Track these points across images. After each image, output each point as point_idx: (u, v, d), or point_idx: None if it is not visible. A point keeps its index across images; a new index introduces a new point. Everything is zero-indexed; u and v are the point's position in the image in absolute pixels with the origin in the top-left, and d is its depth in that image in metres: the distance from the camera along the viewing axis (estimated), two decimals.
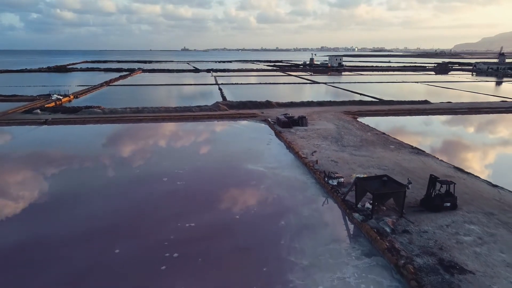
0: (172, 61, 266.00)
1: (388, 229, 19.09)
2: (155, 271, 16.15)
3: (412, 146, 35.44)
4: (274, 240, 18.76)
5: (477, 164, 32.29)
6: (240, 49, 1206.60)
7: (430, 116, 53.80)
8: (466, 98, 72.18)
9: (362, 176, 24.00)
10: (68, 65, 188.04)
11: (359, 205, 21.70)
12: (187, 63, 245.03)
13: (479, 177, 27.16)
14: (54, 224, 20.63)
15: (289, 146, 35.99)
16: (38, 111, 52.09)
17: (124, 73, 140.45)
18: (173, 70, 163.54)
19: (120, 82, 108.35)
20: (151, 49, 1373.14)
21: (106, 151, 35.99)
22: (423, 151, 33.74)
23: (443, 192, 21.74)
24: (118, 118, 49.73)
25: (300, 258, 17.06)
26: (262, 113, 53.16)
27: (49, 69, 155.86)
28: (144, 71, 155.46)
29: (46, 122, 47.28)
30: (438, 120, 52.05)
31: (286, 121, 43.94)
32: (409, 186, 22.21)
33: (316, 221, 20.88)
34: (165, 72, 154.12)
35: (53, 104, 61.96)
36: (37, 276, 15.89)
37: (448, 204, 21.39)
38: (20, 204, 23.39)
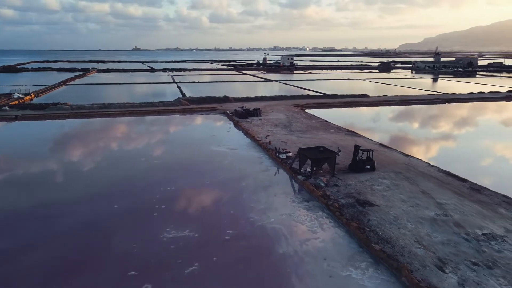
0: (126, 61, 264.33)
1: (322, 184, 25.47)
2: (149, 216, 21.40)
3: (348, 129, 42.54)
4: (237, 194, 24.57)
5: (398, 141, 39.81)
6: (193, 49, 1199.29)
7: (367, 107, 61.83)
8: (402, 92, 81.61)
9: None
10: (17, 65, 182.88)
11: (302, 170, 27.97)
12: (141, 62, 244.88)
13: (396, 150, 34.47)
14: (61, 191, 25.33)
15: (246, 133, 41.85)
16: (7, 108, 54.49)
17: (78, 72, 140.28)
18: (128, 69, 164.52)
19: (77, 81, 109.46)
20: (100, 48, 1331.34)
21: (84, 140, 40.11)
22: (356, 133, 40.90)
23: (365, 158, 28.54)
24: (86, 113, 53.35)
25: (257, 204, 22.94)
26: (221, 106, 58.72)
27: None
28: (99, 70, 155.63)
29: (17, 118, 50.06)
30: (373, 110, 60.15)
31: (243, 112, 49.85)
32: (339, 153, 28.81)
33: (269, 183, 26.90)
34: (121, 71, 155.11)
35: (16, 102, 63.83)
36: (57, 222, 20.66)
37: (369, 167, 28.22)
38: (35, 176, 28.22)
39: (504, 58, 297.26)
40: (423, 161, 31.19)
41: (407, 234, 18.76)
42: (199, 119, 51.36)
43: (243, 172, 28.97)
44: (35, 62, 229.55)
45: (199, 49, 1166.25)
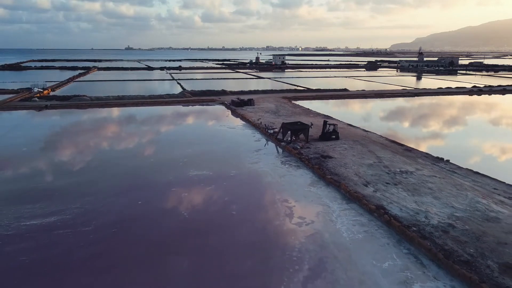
0: (122, 60, 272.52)
1: (298, 147, 35.13)
2: (176, 165, 30.88)
3: (325, 114, 52.31)
4: (237, 154, 34.15)
5: (363, 122, 49.53)
6: (186, 48, 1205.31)
7: (345, 99, 71.75)
8: (380, 87, 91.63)
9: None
10: (20, 63, 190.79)
11: (284, 139, 37.61)
12: (138, 61, 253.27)
13: (359, 127, 44.28)
14: (108, 152, 34.89)
15: (242, 117, 51.41)
16: (36, 99, 63.49)
17: (81, 71, 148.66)
18: (127, 68, 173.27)
19: (82, 78, 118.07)
20: (92, 47, 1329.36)
21: (116, 122, 49.56)
22: (331, 117, 50.64)
23: (331, 130, 38.28)
24: (105, 103, 62.55)
25: (251, 159, 32.52)
26: (219, 98, 68.24)
27: (3, 68, 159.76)
28: (99, 69, 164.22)
29: (47, 107, 59.08)
30: (349, 101, 70.11)
31: (239, 102, 59.43)
32: (312, 126, 38.53)
33: (260, 148, 36.52)
34: (120, 70, 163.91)
35: (38, 95, 72.73)
36: (111, 169, 30.09)
37: (334, 136, 37.97)
38: (88, 143, 37.31)
39: (484, 58, 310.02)
40: (377, 134, 41.03)
41: (350, 171, 28.48)
42: (201, 108, 60.85)
43: (240, 142, 38.58)
44: (33, 61, 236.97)
45: (192, 49, 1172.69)
